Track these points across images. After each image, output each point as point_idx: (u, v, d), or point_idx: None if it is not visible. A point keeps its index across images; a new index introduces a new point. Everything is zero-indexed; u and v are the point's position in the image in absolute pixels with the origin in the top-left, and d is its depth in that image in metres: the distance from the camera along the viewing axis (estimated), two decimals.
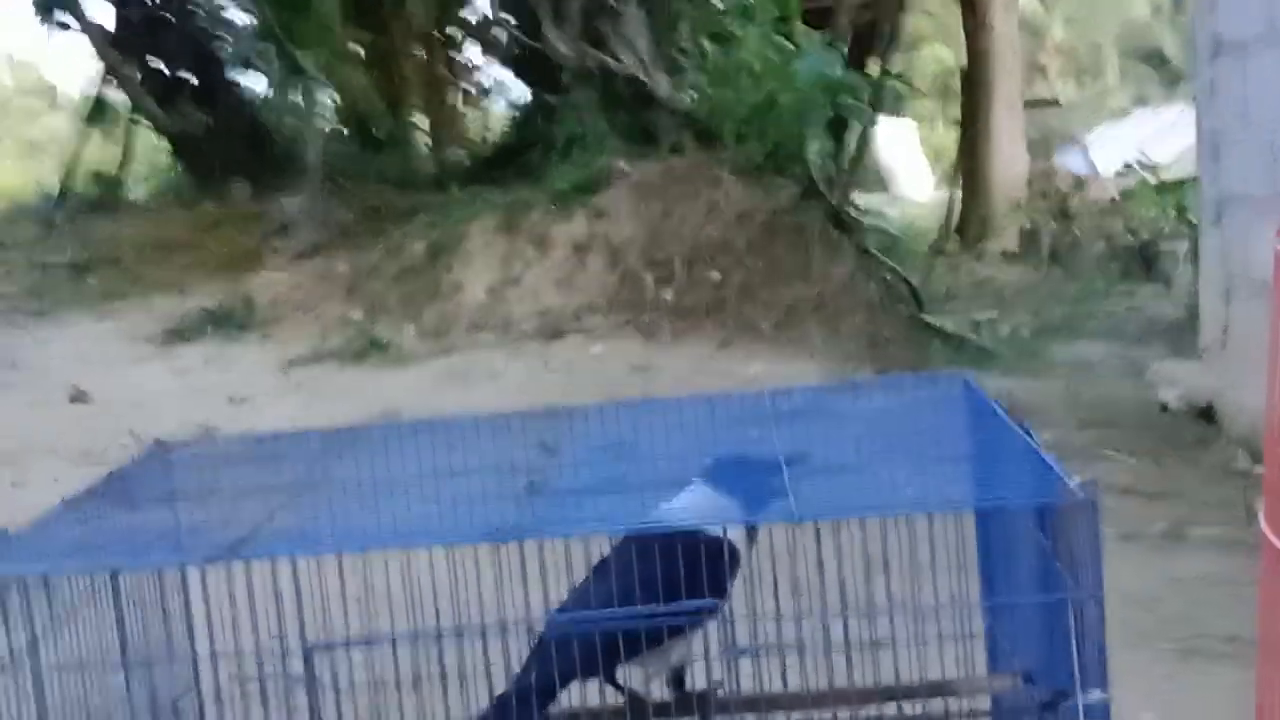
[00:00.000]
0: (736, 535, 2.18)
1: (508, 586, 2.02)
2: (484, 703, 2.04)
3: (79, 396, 8.40)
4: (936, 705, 2.12)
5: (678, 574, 1.98)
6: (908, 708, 2.10)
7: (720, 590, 2.09)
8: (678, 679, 2.17)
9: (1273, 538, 1.75)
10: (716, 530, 2.13)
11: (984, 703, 2.25)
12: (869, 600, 2.09)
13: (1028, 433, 2.27)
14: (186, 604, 2.33)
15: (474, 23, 17.01)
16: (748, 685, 2.07)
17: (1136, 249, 13.81)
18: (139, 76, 14.91)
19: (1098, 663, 1.94)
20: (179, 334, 10.16)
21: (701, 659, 2.06)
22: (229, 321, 10.36)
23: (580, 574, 2.12)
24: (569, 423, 2.64)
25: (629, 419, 2.66)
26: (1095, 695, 1.94)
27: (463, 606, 2.12)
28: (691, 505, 2.17)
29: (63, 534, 2.12)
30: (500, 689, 2.05)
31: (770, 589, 2.27)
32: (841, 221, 9.77)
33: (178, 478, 2.50)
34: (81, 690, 2.00)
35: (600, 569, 2.15)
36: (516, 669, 2.07)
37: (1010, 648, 2.29)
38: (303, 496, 2.29)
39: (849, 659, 2.06)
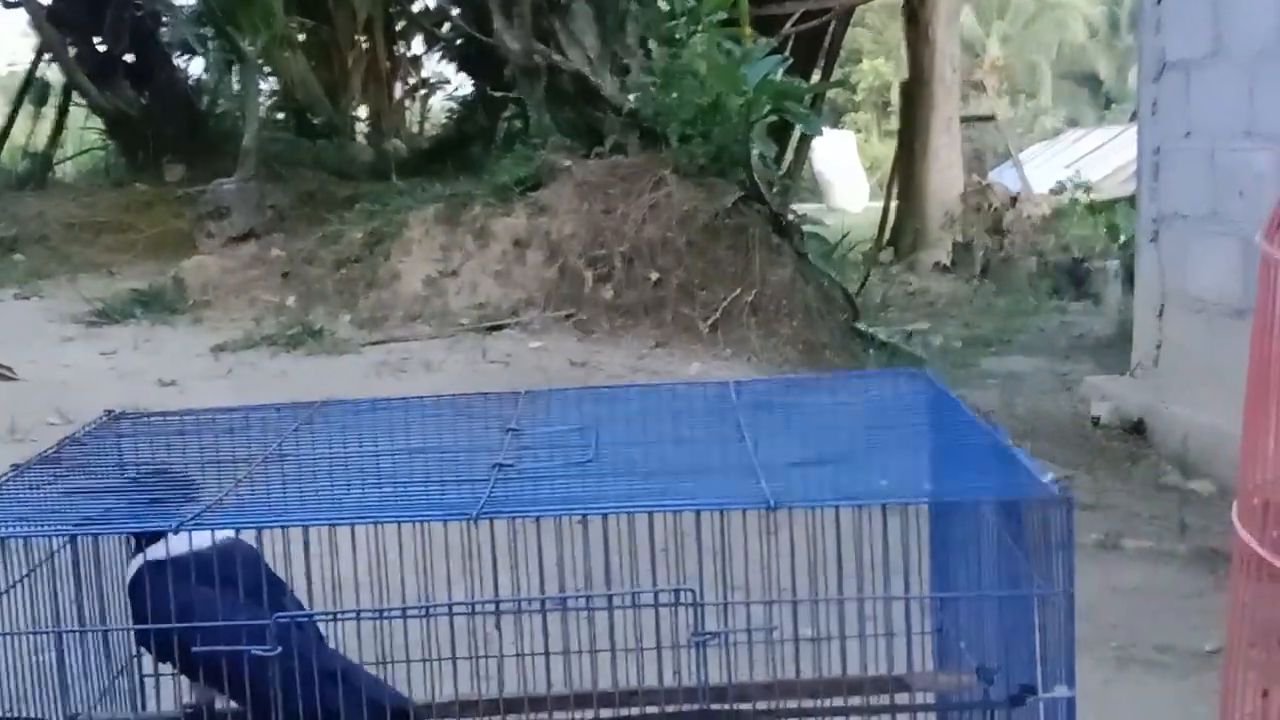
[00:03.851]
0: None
1: (476, 566, 1.99)
2: (448, 681, 2.01)
3: (3, 373, 8.23)
4: (901, 699, 2.12)
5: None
6: (872, 701, 2.09)
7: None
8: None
9: (1244, 535, 1.75)
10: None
11: (946, 697, 2.25)
12: (840, 590, 2.08)
13: (995, 429, 2.27)
14: None
15: (418, 14, 16.90)
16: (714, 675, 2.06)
17: (1068, 265, 14.00)
18: (74, 53, 14.66)
19: (1065, 659, 1.94)
20: (107, 314, 9.98)
21: None
22: (159, 304, 10.19)
23: (549, 555, 2.10)
24: (531, 406, 2.62)
25: (591, 404, 2.64)
26: (1061, 691, 1.94)
27: (428, 584, 2.09)
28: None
29: (14, 499, 2.07)
30: (466, 667, 2.03)
31: (731, 578, 2.26)
32: (781, 226, 9.80)
33: (129, 448, 2.45)
34: (33, 653, 1.95)
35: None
36: (482, 648, 2.05)
37: (969, 643, 2.29)
38: (263, 470, 2.25)
39: (816, 650, 2.05)
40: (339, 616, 2.07)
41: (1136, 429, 7.00)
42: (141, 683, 2.44)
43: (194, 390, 7.72)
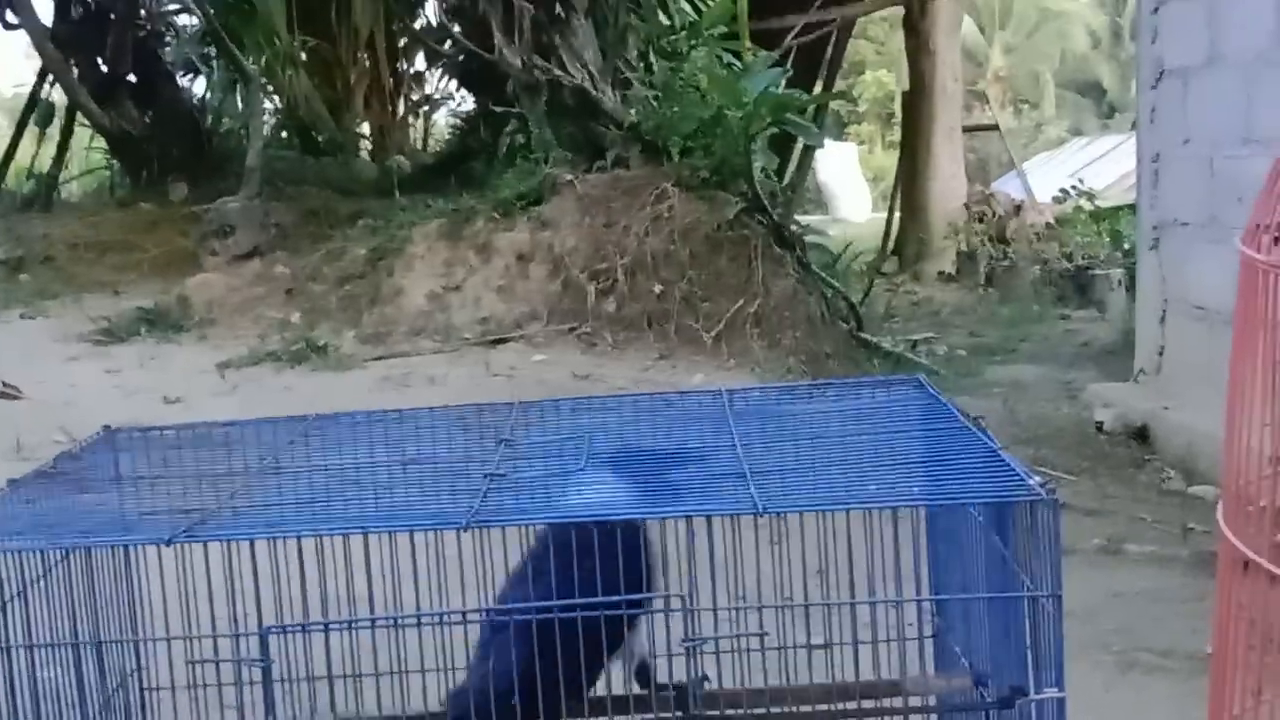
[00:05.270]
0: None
1: (470, 574, 2.00)
2: (445, 689, 2.02)
3: (9, 392, 8.25)
4: (895, 703, 2.12)
5: (621, 566, 1.96)
6: (865, 705, 2.10)
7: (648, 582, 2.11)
8: (644, 673, 2.15)
9: (1230, 536, 1.76)
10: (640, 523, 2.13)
11: (936, 700, 2.26)
12: (825, 596, 2.09)
13: (984, 434, 2.28)
14: (137, 586, 2.29)
15: (420, 31, 16.95)
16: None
17: (1071, 273, 13.98)
18: (77, 74, 14.72)
19: (1054, 660, 1.95)
20: (113, 333, 10.02)
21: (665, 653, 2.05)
22: (164, 322, 10.24)
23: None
24: (524, 416, 2.63)
25: (584, 414, 2.66)
26: (1051, 692, 1.95)
27: (423, 593, 2.10)
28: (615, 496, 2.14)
29: (11, 514, 2.09)
30: (457, 677, 2.04)
31: (724, 584, 2.27)
32: (784, 238, 9.81)
33: (126, 463, 2.47)
34: (30, 669, 1.96)
35: (538, 562, 2.11)
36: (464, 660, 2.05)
37: (964, 646, 2.30)
38: (257, 483, 2.26)
39: (810, 655, 2.06)
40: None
41: (1140, 435, 6.99)
42: (141, 696, 2.45)
43: (199, 407, 7.73)
